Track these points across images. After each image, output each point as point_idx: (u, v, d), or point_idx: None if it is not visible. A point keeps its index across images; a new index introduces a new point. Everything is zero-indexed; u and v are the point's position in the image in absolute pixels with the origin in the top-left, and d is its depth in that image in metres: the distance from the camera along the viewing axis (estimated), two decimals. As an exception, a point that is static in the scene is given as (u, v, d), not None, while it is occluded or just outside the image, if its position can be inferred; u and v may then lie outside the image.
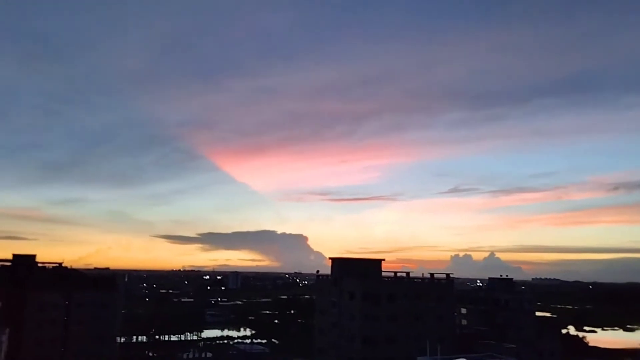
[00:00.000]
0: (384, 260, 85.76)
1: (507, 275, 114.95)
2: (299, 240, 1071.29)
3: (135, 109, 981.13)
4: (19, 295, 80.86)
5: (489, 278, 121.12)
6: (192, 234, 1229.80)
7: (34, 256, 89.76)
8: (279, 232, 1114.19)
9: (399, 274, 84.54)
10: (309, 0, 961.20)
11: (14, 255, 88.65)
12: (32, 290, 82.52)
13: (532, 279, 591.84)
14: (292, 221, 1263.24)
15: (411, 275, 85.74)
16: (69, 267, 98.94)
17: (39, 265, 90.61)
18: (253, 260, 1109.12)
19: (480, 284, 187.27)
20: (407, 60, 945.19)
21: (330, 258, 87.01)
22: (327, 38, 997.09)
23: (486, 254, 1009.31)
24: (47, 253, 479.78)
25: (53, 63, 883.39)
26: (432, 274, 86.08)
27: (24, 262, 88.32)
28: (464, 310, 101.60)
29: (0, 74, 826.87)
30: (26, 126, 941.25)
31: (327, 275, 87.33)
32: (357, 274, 79.28)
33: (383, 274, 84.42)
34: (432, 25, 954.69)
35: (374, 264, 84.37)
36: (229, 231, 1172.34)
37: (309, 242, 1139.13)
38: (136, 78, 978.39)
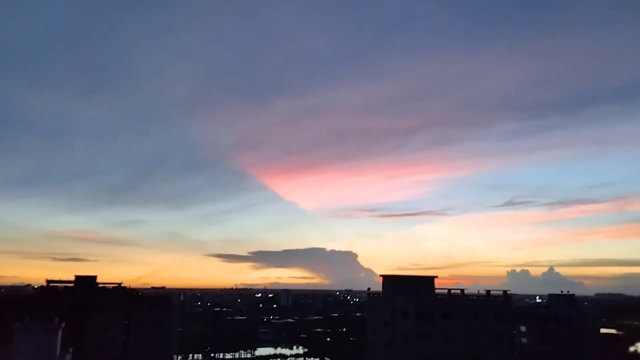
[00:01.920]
0: (436, 277, 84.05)
1: (568, 291, 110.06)
2: (349, 257, 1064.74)
3: (187, 133, 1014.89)
4: (81, 316, 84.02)
5: (549, 294, 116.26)
6: (243, 253, 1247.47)
7: (94, 277, 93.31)
8: (328, 249, 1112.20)
9: (453, 291, 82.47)
10: (351, 20, 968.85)
11: (76, 277, 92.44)
12: (93, 310, 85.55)
13: (595, 294, 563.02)
14: (341, 238, 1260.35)
15: (466, 292, 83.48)
16: (128, 287, 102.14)
17: (100, 285, 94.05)
18: (303, 277, 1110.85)
19: (540, 301, 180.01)
20: (454, 73, 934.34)
21: (381, 275, 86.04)
22: (371, 55, 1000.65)
23: (545, 269, 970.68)
24: (107, 273, 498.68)
25: (110, 94, 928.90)
26: (488, 291, 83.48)
27: (85, 283, 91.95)
28: (523, 329, 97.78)
29: (63, 106, 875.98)
30: (86, 153, 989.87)
31: (378, 293, 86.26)
32: (409, 291, 77.86)
33: (436, 291, 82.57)
34: (478, 37, 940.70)
35: (427, 281, 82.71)
36: (279, 249, 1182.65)
37: (359, 259, 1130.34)
38: (187, 104, 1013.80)
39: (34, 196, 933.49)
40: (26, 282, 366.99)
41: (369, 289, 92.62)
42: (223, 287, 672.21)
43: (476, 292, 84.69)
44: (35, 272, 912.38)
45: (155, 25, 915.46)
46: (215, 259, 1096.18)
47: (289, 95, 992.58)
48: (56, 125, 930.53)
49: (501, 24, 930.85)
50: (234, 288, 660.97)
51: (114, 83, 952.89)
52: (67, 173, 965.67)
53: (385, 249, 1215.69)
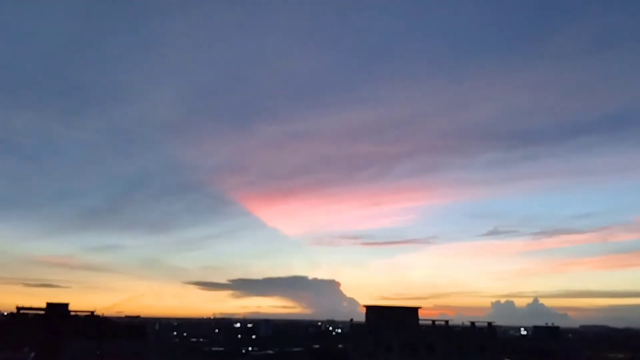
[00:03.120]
0: (420, 307, 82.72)
1: (552, 323, 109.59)
2: (331, 285, 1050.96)
3: (169, 157, 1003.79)
4: (52, 344, 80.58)
5: (534, 326, 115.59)
6: (223, 280, 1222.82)
7: (66, 304, 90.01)
8: (310, 277, 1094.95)
9: (437, 322, 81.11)
10: (337, 45, 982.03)
11: (48, 304, 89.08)
12: (65, 338, 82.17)
13: (580, 326, 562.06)
14: (324, 266, 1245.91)
15: (450, 323, 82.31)
16: (102, 315, 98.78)
17: (72, 313, 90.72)
18: (285, 307, 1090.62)
19: (525, 332, 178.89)
20: (439, 100, 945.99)
21: (364, 305, 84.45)
22: (357, 82, 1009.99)
23: (529, 300, 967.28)
24: (80, 300, 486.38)
25: (92, 115, 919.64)
26: (472, 322, 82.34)
27: (57, 310, 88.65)
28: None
29: (44, 127, 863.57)
30: (66, 176, 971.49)
31: (361, 324, 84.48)
32: (393, 322, 76.35)
33: (420, 322, 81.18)
34: (463, 66, 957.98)
35: (411, 312, 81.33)
36: (260, 277, 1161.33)
37: (342, 288, 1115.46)
38: (170, 127, 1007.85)
39: (8, 219, 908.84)
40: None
41: (351, 319, 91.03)
42: (201, 317, 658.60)
43: (460, 323, 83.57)
44: (5, 298, 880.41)
45: (139, 46, 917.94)
46: (194, 287, 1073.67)
47: (273, 119, 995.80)
48: (37, 146, 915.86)
49: (487, 53, 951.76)
50: (212, 317, 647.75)
51: (97, 104, 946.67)
52: (46, 196, 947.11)
53: (368, 277, 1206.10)
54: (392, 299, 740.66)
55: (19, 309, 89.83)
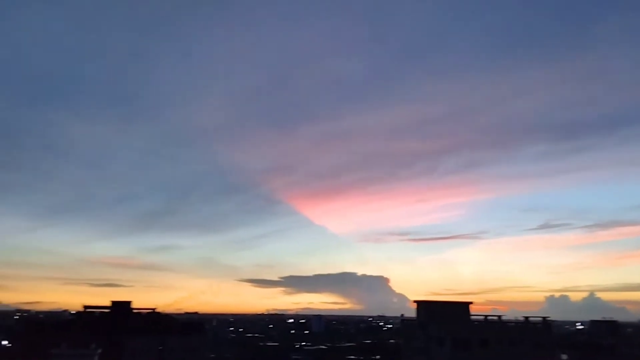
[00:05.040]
0: (472, 303, 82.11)
1: (610, 317, 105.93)
2: (381, 282, 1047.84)
3: (218, 159, 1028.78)
4: (117, 341, 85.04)
5: (591, 320, 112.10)
6: (274, 278, 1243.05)
7: (129, 302, 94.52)
8: (359, 274, 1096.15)
9: (489, 318, 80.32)
10: (379, 43, 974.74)
11: (112, 302, 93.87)
12: (128, 335, 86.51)
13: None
14: (372, 262, 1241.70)
15: (503, 318, 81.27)
16: (162, 312, 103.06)
17: (135, 311, 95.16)
18: (335, 303, 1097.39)
19: (581, 327, 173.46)
20: (484, 94, 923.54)
21: (414, 301, 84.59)
22: (399, 79, 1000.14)
23: (585, 294, 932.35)
24: (142, 298, 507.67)
25: (144, 122, 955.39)
26: (526, 317, 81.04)
27: (121, 308, 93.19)
28: (564, 357, 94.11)
29: (100, 135, 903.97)
30: (122, 181, 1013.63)
31: (412, 319, 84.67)
32: (444, 317, 76.22)
33: (472, 317, 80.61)
34: (507, 58, 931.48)
35: (462, 307, 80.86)
36: (310, 274, 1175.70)
37: (391, 284, 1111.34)
38: (219, 131, 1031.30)
39: (72, 223, 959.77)
40: (64, 308, 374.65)
41: (402, 315, 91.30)
42: (255, 313, 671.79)
43: (514, 318, 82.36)
44: (72, 298, 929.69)
45: (186, 55, 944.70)
46: (247, 284, 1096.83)
47: (317, 119, 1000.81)
48: (96, 154, 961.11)
49: (530, 45, 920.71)
50: (265, 313, 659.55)
51: (150, 113, 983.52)
52: (105, 200, 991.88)
53: (417, 273, 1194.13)
54: (442, 295, 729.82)
55: (85, 307, 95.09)
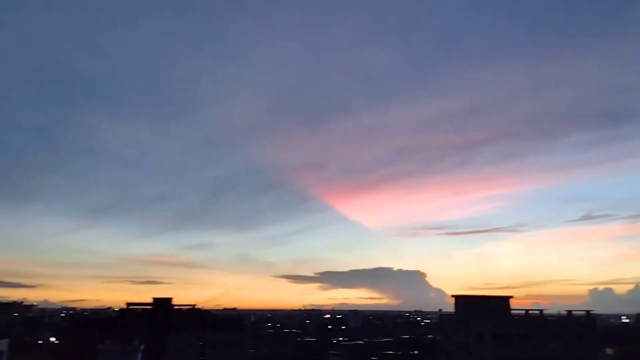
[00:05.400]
0: (512, 297, 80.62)
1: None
2: (417, 276, 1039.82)
3: (253, 157, 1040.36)
4: (159, 337, 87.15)
5: (637, 314, 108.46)
6: (310, 273, 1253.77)
7: (170, 299, 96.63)
8: (395, 268, 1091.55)
9: (530, 312, 78.79)
10: (409, 36, 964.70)
11: (154, 299, 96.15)
12: (170, 331, 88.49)
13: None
14: (408, 257, 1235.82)
15: (545, 312, 79.56)
16: (202, 308, 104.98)
17: (175, 307, 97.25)
18: (371, 298, 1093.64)
19: (627, 320, 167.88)
20: (520, 83, 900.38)
21: (452, 295, 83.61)
22: (432, 71, 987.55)
23: (630, 286, 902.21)
24: (182, 295, 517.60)
25: (181, 123, 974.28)
26: (569, 311, 79.06)
27: (162, 305, 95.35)
28: (609, 351, 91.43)
29: (138, 136, 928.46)
30: (161, 180, 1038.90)
31: (450, 314, 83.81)
32: (483, 312, 75.12)
33: (513, 312, 79.20)
34: (544, 46, 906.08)
35: (502, 301, 79.49)
36: (345, 269, 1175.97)
37: (428, 279, 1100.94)
38: (252, 129, 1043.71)
39: (113, 223, 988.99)
40: (108, 305, 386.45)
41: (440, 310, 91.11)
42: (291, 308, 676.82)
43: (556, 312, 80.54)
44: (115, 295, 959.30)
45: (219, 56, 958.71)
46: (283, 280, 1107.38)
47: (349, 114, 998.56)
48: (132, 155, 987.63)
49: (570, 31, 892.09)
50: (302, 309, 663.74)
51: (185, 113, 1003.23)
52: (145, 199, 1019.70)
53: (455, 267, 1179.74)
54: (481, 289, 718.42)
55: (128, 304, 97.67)
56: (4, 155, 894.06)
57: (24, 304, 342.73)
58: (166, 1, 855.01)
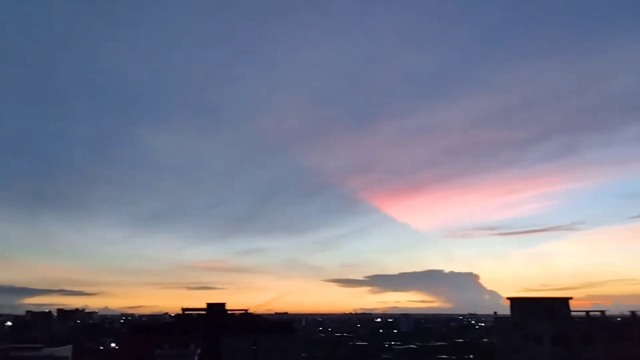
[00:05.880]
0: (571, 298, 77.65)
1: None
2: (470, 278, 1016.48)
3: (299, 162, 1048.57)
4: (213, 341, 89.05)
5: None
6: (359, 277, 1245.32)
7: (224, 304, 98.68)
8: (446, 271, 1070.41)
9: (591, 313, 75.64)
10: (453, 34, 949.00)
11: (208, 304, 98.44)
12: (224, 336, 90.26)
13: None
14: (460, 259, 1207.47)
15: (607, 313, 76.26)
16: (254, 312, 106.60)
17: (229, 312, 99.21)
18: (423, 301, 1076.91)
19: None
20: (573, 75, 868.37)
21: (508, 298, 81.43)
22: (478, 67, 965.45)
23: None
24: (234, 300, 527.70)
25: (228, 131, 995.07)
26: (632, 312, 75.43)
27: (216, 310, 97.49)
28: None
29: (188, 145, 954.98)
30: (211, 187, 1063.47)
31: (506, 317, 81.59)
32: (541, 314, 72.70)
33: (572, 313, 76.27)
34: (599, 35, 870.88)
35: (561, 303, 76.68)
36: (396, 272, 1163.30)
37: (481, 281, 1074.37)
38: (298, 133, 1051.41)
39: (167, 231, 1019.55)
40: (164, 311, 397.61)
41: (495, 312, 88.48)
42: (342, 312, 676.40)
43: (619, 313, 77.07)
44: (171, 301, 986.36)
45: (262, 63, 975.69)
46: (333, 284, 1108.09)
47: (395, 116, 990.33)
48: (183, 164, 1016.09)
49: (624, 19, 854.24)
50: (353, 313, 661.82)
51: (232, 121, 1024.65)
52: (196, 207, 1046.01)
53: (509, 269, 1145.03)
54: (538, 291, 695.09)
55: (183, 310, 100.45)
56: (65, 169, 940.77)
57: (86, 311, 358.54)
58: (210, 14, 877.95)
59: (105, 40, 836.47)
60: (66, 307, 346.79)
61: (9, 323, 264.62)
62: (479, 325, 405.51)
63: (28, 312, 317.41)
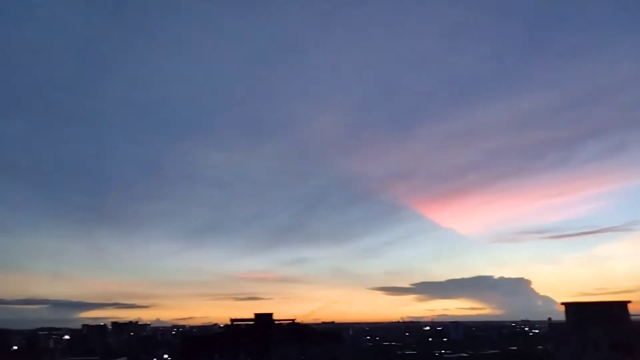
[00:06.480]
0: (630, 302, 74.12)
1: None
2: (521, 284, 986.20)
3: (341, 171, 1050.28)
4: (262, 350, 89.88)
5: None
6: (405, 285, 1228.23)
7: (271, 314, 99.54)
8: (496, 276, 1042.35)
9: (653, 318, 71.93)
10: (496, 33, 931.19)
11: (256, 314, 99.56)
12: (272, 344, 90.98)
13: None
14: (510, 264, 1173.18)
15: (670, 318, 72.29)
16: (301, 322, 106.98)
17: (276, 322, 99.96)
18: (472, 308, 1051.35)
19: None
20: (626, 70, 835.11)
21: (562, 303, 78.49)
22: (521, 67, 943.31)
23: None
24: (281, 310, 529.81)
25: (270, 143, 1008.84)
26: (699, 316, 71.29)
27: (263, 320, 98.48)
28: None
29: (233, 159, 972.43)
30: (255, 199, 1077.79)
31: (561, 322, 78.64)
32: (598, 319, 69.70)
33: (632, 317, 72.73)
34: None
35: (619, 307, 73.20)
36: (442, 279, 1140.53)
37: (533, 286, 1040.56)
38: (339, 143, 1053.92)
39: (214, 243, 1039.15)
40: (214, 321, 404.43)
41: (549, 318, 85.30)
42: (389, 321, 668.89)
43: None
44: (220, 312, 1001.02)
45: (301, 75, 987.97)
46: (379, 292, 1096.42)
47: (436, 120, 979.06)
48: (228, 177, 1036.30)
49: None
50: (400, 321, 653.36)
51: (274, 133, 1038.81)
52: (241, 219, 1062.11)
53: (562, 273, 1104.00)
54: (594, 295, 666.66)
55: (232, 320, 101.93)
56: (116, 186, 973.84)
57: (139, 323, 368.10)
58: (249, 31, 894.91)
59: (150, 62, 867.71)
60: (120, 320, 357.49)
61: (67, 337, 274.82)
62: (532, 332, 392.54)
63: (84, 325, 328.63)
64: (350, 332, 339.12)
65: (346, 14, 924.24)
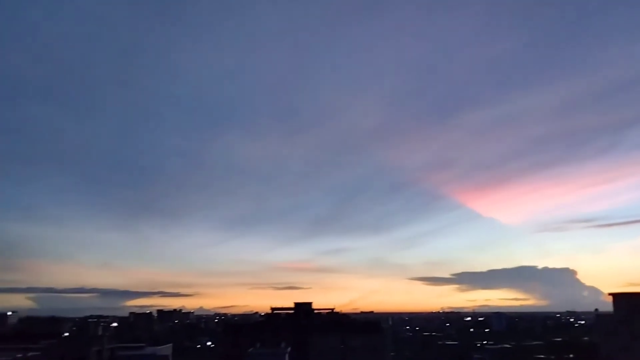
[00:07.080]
0: (683, 293, 71.09)
1: None
2: (566, 274, 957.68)
3: (380, 160, 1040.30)
4: (302, 339, 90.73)
5: None
6: (445, 275, 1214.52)
7: (310, 303, 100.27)
8: (540, 266, 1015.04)
9: None
10: (539, 15, 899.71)
11: (295, 304, 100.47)
12: (312, 334, 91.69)
13: None
14: (554, 254, 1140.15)
15: None
16: (340, 312, 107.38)
17: (316, 311, 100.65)
18: (515, 299, 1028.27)
19: None
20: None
21: (610, 294, 75.94)
22: (564, 49, 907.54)
23: None
24: (320, 299, 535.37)
25: (308, 134, 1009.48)
26: None
27: (303, 309, 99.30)
28: None
29: (270, 150, 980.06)
30: (293, 190, 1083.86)
31: (609, 314, 76.10)
32: (649, 311, 67.15)
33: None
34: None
35: (672, 299, 70.49)
36: (484, 269, 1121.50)
37: (579, 276, 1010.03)
38: (377, 132, 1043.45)
39: (254, 233, 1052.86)
40: (254, 310, 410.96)
41: (596, 309, 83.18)
42: (429, 311, 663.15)
43: None
44: (260, 301, 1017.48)
45: (338, 62, 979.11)
46: (419, 282, 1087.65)
47: (476, 107, 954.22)
48: (266, 168, 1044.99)
49: None
50: (440, 311, 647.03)
51: (312, 124, 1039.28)
52: (280, 210, 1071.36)
53: (610, 263, 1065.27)
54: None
55: (272, 309, 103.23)
56: (161, 178, 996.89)
57: (183, 311, 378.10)
58: (288, 20, 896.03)
59: (188, 52, 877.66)
60: (165, 308, 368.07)
61: (115, 324, 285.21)
62: (578, 323, 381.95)
63: (131, 313, 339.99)
64: (390, 322, 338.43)
65: (385, 2, 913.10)
